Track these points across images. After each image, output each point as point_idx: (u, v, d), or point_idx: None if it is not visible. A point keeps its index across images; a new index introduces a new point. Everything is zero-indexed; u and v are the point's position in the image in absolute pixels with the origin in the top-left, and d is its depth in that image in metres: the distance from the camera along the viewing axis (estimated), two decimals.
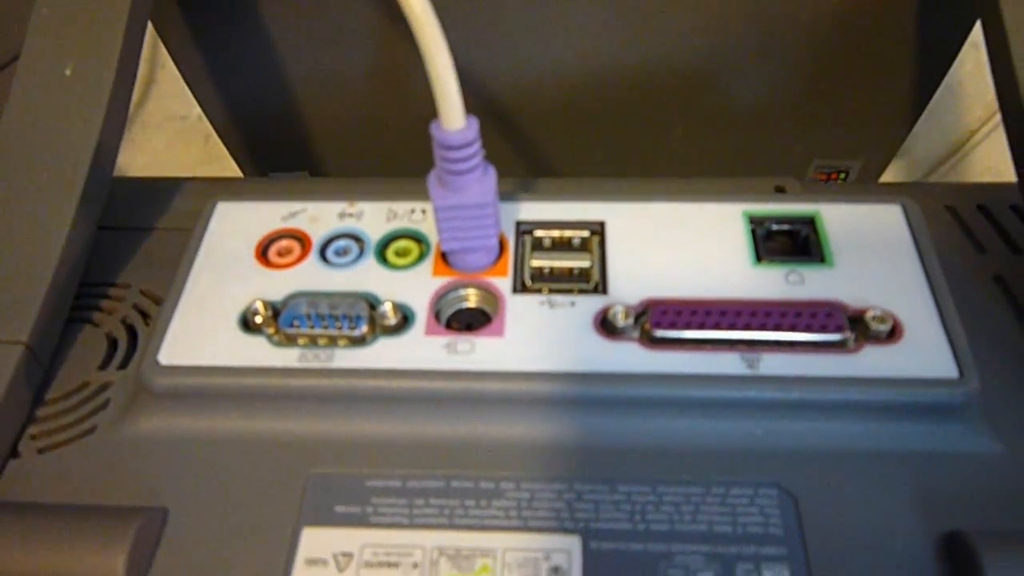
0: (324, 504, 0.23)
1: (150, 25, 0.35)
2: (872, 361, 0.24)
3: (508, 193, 0.29)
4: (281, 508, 0.23)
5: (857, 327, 0.24)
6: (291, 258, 0.27)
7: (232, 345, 0.25)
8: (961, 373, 0.23)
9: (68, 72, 0.30)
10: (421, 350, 0.25)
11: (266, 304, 0.25)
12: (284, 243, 0.28)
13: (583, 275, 0.27)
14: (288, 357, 0.25)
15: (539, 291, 0.26)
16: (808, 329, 0.24)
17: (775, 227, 0.27)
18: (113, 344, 0.28)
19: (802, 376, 0.23)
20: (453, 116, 0.23)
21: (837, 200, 0.28)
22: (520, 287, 0.26)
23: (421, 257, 0.27)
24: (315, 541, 0.22)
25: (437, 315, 0.26)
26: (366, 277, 0.26)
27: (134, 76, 0.31)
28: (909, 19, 0.37)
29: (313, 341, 0.25)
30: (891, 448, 0.23)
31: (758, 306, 0.25)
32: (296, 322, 0.25)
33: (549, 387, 0.24)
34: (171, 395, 0.24)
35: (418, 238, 0.28)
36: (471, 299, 0.26)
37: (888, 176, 0.49)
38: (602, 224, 0.28)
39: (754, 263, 0.26)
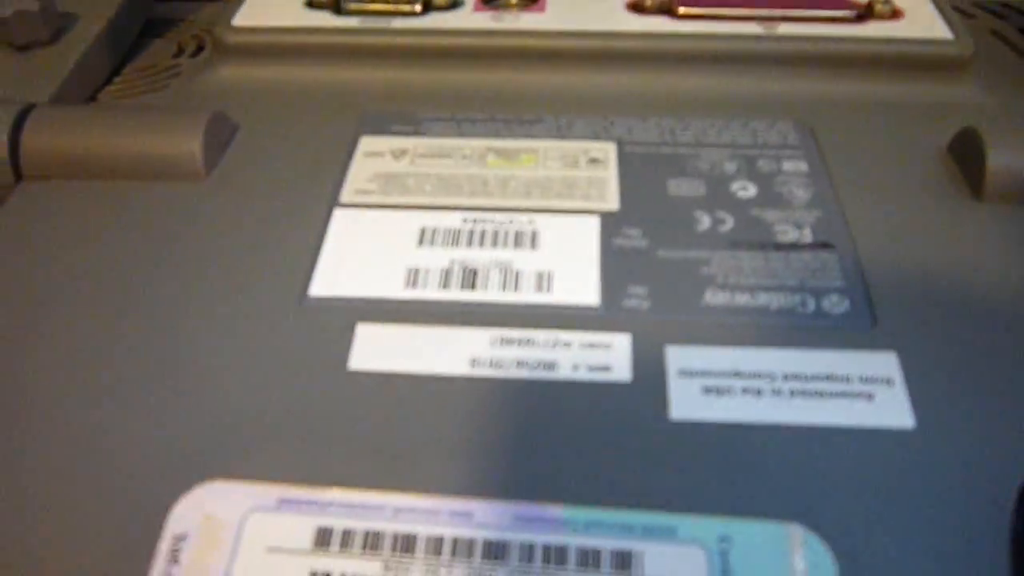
0: (379, 126, 0.25)
1: None
2: (878, 30, 0.26)
3: None
4: (340, 136, 0.25)
5: (863, 11, 0.27)
6: None
7: (299, 16, 0.28)
8: (956, 36, 0.26)
9: None
10: (470, 21, 0.27)
11: None
12: None
13: None
14: (349, 22, 0.27)
15: None
16: (820, 6, 0.27)
17: None
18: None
19: (815, 34, 0.26)
20: None
21: None
22: None
23: None
24: (372, 143, 0.24)
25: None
26: None
27: None
28: None
29: (372, 12, 0.27)
30: (896, 100, 0.26)
31: None
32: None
33: (585, 43, 0.26)
34: (244, 50, 0.27)
35: None
36: None
37: None
38: None
39: None
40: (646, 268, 0.20)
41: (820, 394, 0.17)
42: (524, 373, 0.18)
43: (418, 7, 0.27)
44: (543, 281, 0.20)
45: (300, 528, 0.16)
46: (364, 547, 0.15)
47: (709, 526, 0.16)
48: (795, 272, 0.20)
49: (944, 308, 0.19)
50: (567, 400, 0.17)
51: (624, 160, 0.23)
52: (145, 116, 0.24)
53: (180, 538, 0.16)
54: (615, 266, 0.20)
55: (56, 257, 0.21)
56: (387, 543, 0.16)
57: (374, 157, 0.24)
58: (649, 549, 0.15)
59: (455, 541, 0.15)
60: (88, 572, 0.15)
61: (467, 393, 0.18)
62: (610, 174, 0.23)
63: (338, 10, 0.28)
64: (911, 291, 0.19)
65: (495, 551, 0.15)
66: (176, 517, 0.16)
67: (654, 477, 0.16)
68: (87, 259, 0.21)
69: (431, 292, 0.20)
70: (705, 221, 0.21)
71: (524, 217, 0.21)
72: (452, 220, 0.21)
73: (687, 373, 0.18)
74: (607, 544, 0.15)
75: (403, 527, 0.16)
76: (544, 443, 0.17)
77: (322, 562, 0.15)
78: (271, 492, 0.16)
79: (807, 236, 0.21)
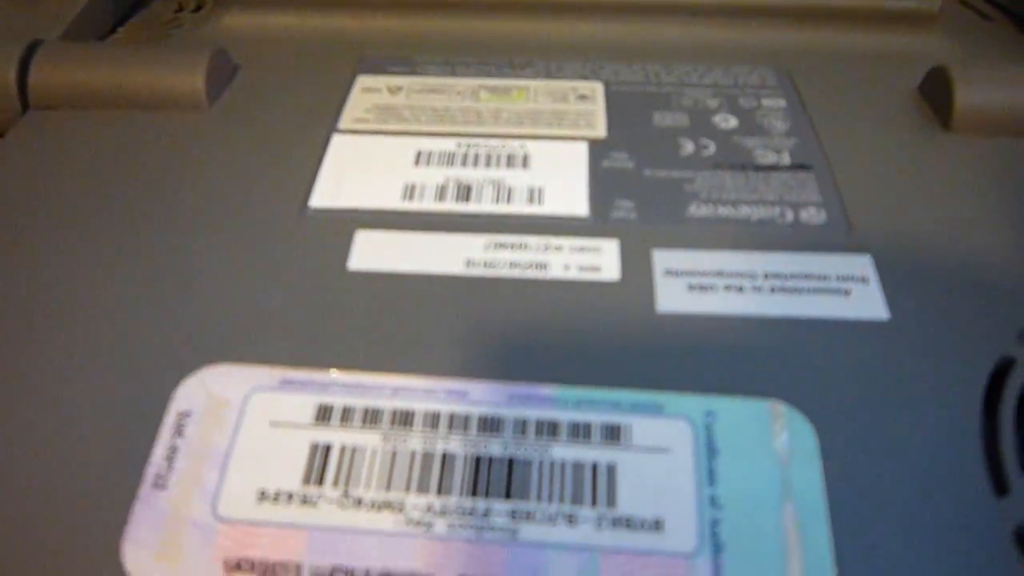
0: (376, 67, 0.26)
1: None
2: None
3: None
4: (338, 75, 0.25)
5: None
6: None
7: None
8: None
9: None
10: None
11: None
12: None
13: None
14: None
15: None
16: None
17: None
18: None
19: None
20: None
21: None
22: None
23: None
24: (369, 81, 0.25)
25: None
26: None
27: None
28: None
29: None
30: (869, 50, 0.27)
31: None
32: None
33: None
34: (244, 0, 0.28)
35: None
36: None
37: None
38: None
39: None
40: (633, 185, 0.21)
41: (799, 291, 0.18)
42: (517, 273, 0.19)
43: None
44: (534, 195, 0.21)
45: (301, 405, 0.16)
46: (364, 422, 0.16)
47: (694, 402, 0.16)
48: (774, 189, 0.21)
49: (915, 220, 0.20)
50: (558, 296, 0.18)
51: (611, 97, 0.24)
52: (150, 51, 0.25)
53: (185, 415, 0.16)
54: (603, 183, 0.21)
55: (66, 176, 0.21)
56: (386, 418, 0.16)
57: (371, 92, 0.25)
58: (637, 422, 0.16)
59: (451, 416, 0.16)
60: (94, 448, 0.16)
61: (462, 289, 0.18)
62: (598, 108, 0.24)
63: None
64: (884, 206, 0.20)
65: (490, 425, 0.16)
66: (181, 396, 0.16)
67: (641, 363, 0.17)
68: (96, 177, 0.21)
69: (427, 204, 0.20)
70: (688, 147, 0.22)
71: (516, 142, 0.22)
72: (446, 144, 0.22)
73: (672, 273, 0.19)
74: (597, 419, 0.16)
75: (401, 404, 0.16)
76: (536, 334, 0.17)
77: (323, 434, 0.16)
78: (273, 374, 0.17)
79: (785, 159, 0.22)
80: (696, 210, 0.20)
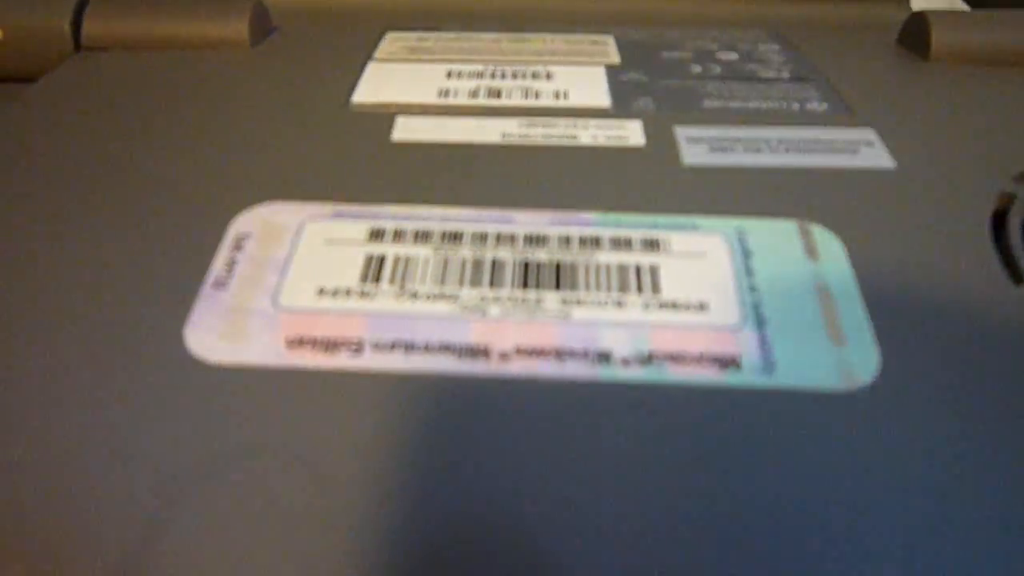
0: (403, 29, 0.28)
1: None
2: None
3: None
4: (368, 34, 0.28)
5: None
6: None
7: None
8: None
9: None
10: None
11: None
12: None
13: None
14: None
15: None
16: None
17: None
18: None
19: None
20: None
21: None
22: None
23: None
24: (398, 35, 0.27)
25: None
26: None
27: None
28: None
29: None
30: (852, 20, 0.30)
31: None
32: None
33: None
34: None
35: None
36: None
37: None
38: None
39: None
40: (650, 90, 0.23)
41: (812, 150, 0.20)
42: (551, 142, 0.20)
43: None
44: (560, 94, 0.22)
45: (355, 229, 0.17)
46: (415, 240, 0.17)
47: (727, 222, 0.17)
48: (779, 92, 0.23)
49: (911, 106, 0.22)
50: (590, 158, 0.19)
51: (621, 44, 0.27)
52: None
53: (243, 236, 0.17)
54: (622, 89, 0.23)
55: (129, 96, 0.23)
56: (436, 236, 0.17)
57: (400, 40, 0.27)
58: (675, 236, 0.17)
59: (499, 235, 0.17)
60: (155, 268, 0.16)
61: (500, 153, 0.20)
62: (611, 48, 0.26)
63: None
64: (881, 99, 0.22)
65: (536, 240, 0.17)
66: (238, 223, 0.17)
67: (673, 197, 0.18)
68: (153, 96, 0.23)
69: (462, 101, 0.22)
70: (697, 69, 0.24)
71: (539, 66, 0.24)
72: (475, 67, 0.24)
73: (694, 139, 0.20)
74: (637, 234, 0.17)
75: (450, 226, 0.17)
76: (571, 181, 0.19)
77: (377, 248, 0.17)
78: (326, 207, 0.18)
79: (785, 75, 0.24)
80: (710, 104, 0.22)
